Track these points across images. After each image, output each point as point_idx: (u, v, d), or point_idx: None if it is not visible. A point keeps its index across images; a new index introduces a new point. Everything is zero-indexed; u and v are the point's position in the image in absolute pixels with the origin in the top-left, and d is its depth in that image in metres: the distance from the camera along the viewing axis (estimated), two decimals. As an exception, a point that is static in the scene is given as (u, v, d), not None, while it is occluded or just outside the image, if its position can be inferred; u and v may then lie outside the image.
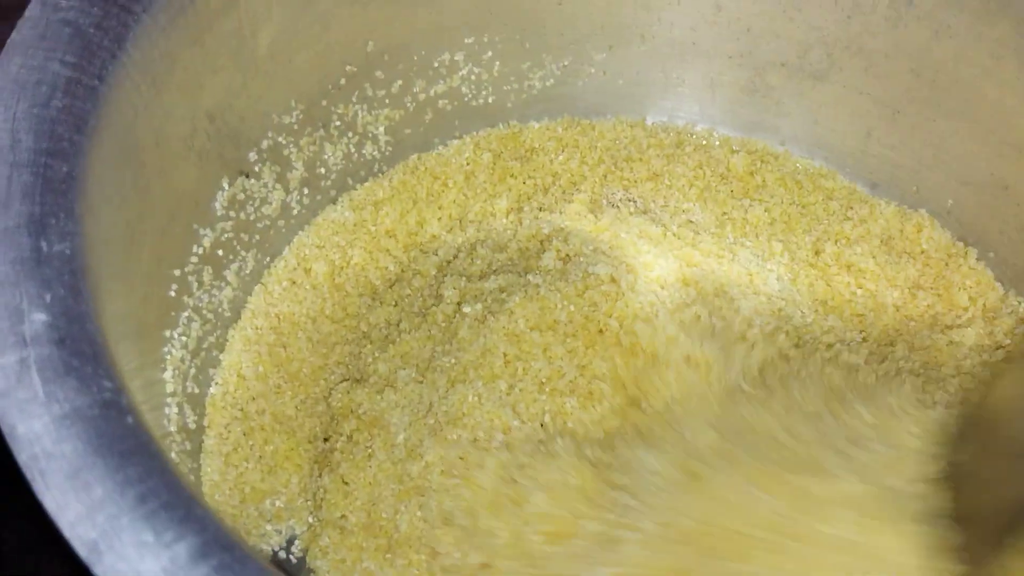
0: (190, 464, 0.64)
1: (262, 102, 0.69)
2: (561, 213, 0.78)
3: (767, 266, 0.77)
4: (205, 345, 0.68)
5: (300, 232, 0.77)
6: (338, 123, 0.76)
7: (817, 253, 0.78)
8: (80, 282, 0.47)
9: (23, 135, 0.50)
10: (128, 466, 0.42)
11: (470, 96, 0.82)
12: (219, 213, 0.68)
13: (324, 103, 0.74)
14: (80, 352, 0.45)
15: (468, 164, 0.83)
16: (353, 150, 0.78)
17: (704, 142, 0.86)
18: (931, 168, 0.81)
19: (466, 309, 0.69)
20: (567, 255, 0.74)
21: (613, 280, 0.70)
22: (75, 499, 0.41)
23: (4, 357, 0.44)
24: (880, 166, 0.83)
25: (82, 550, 0.40)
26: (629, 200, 0.81)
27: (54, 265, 0.47)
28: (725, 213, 0.80)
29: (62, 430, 0.43)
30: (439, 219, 0.79)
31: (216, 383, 0.69)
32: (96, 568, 0.40)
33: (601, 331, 0.69)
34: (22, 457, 0.42)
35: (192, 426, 0.65)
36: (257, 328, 0.72)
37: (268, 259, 0.75)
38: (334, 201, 0.79)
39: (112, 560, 0.40)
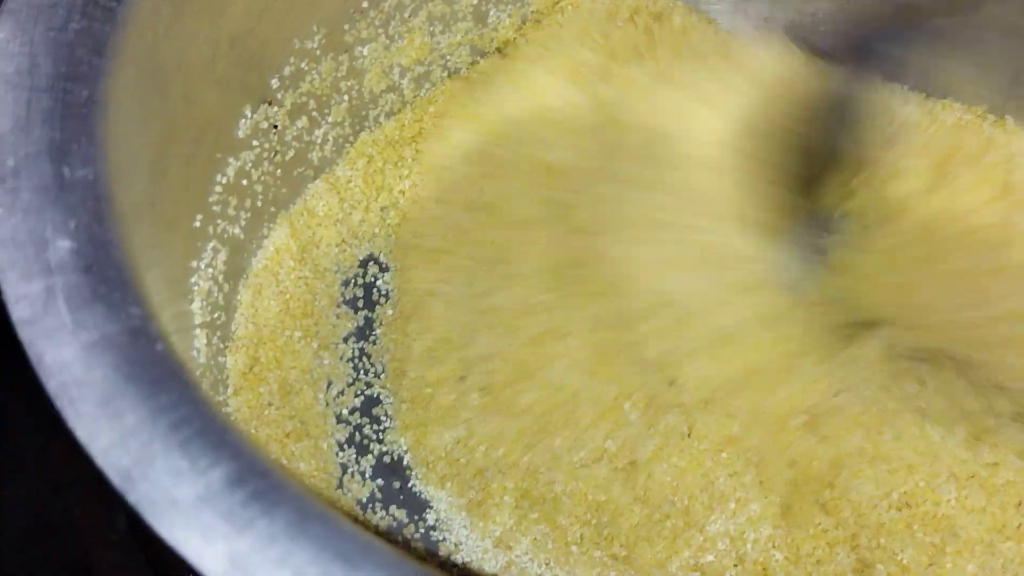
0: (220, 395, 0.63)
1: (283, 27, 0.67)
2: None
3: None
4: (231, 276, 0.67)
5: (327, 163, 0.76)
6: (362, 49, 0.74)
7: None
8: (104, 208, 0.46)
9: (41, 59, 0.49)
10: (160, 393, 0.42)
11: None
12: (243, 141, 0.66)
13: (346, 27, 0.72)
14: (107, 279, 0.44)
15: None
16: (379, 79, 0.77)
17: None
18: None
19: None
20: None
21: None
22: (107, 426, 0.40)
23: (30, 285, 0.43)
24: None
25: (115, 478, 0.39)
26: None
27: (77, 191, 0.46)
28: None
29: (92, 357, 0.42)
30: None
31: (240, 314, 0.68)
32: (130, 495, 0.39)
33: None
34: (51, 385, 0.41)
35: (221, 357, 0.64)
36: (280, 259, 0.71)
37: (293, 189, 0.74)
38: (360, 131, 0.77)
39: (146, 487, 0.39)
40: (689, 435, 0.64)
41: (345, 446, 0.68)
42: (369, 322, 0.73)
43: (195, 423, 0.41)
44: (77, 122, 0.48)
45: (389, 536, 0.64)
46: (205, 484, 0.40)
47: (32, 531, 0.64)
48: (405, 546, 0.65)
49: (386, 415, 0.69)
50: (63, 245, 0.44)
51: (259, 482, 0.40)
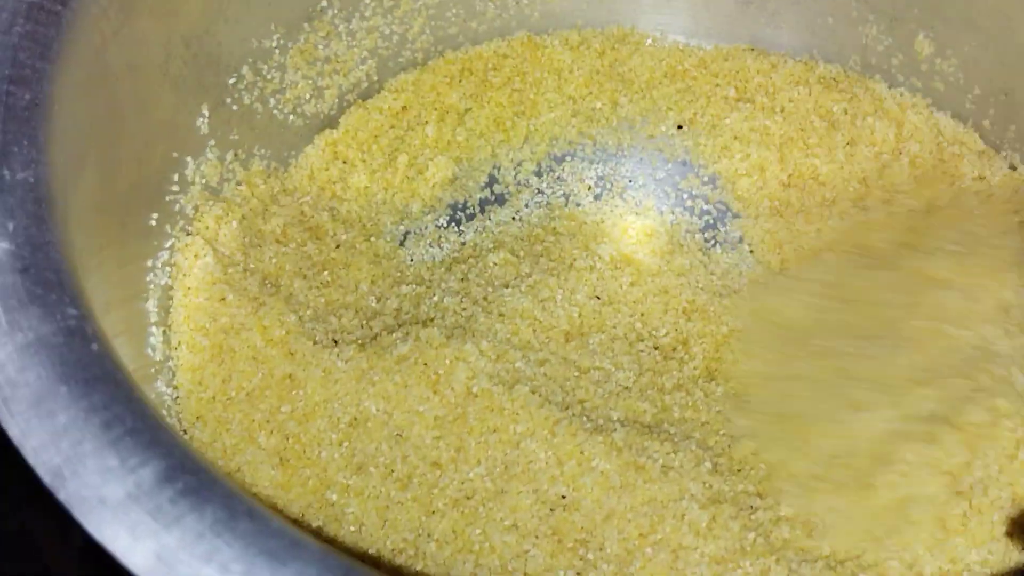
0: (175, 393, 0.63)
1: (241, 26, 0.68)
2: None
3: None
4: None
5: (288, 156, 0.76)
6: (320, 47, 0.75)
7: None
8: (44, 210, 0.47)
9: (-16, 62, 0.49)
10: (93, 393, 0.42)
11: (454, 17, 0.81)
12: (200, 140, 0.67)
13: (305, 26, 0.73)
14: (44, 280, 0.45)
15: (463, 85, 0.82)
16: (337, 76, 0.77)
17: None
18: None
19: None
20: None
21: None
22: (39, 426, 0.41)
23: (-33, 286, 0.44)
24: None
25: (46, 476, 0.40)
26: None
27: (17, 193, 0.47)
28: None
29: (26, 358, 0.43)
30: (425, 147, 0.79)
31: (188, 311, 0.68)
32: (60, 494, 0.40)
33: None
34: (-14, 386, 0.42)
35: (176, 354, 0.65)
36: (239, 254, 0.71)
37: (252, 184, 0.74)
38: (321, 128, 0.78)
39: (76, 486, 0.40)
40: None
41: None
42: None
43: (127, 422, 0.42)
44: (19, 125, 0.48)
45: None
46: (135, 481, 0.40)
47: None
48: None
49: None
50: (1, 247, 0.45)
51: (189, 479, 0.41)
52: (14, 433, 0.41)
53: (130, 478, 0.40)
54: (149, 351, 0.62)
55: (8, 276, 0.44)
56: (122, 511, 0.40)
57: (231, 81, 0.69)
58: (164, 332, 0.63)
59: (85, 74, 0.54)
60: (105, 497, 0.40)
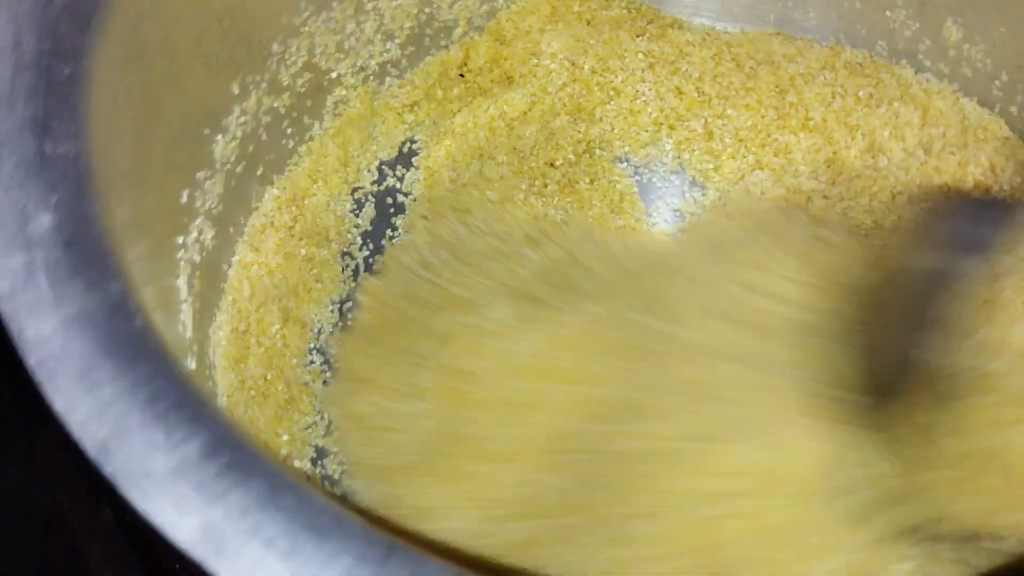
0: (206, 370, 0.64)
1: (271, 3, 0.68)
2: None
3: None
4: (218, 251, 0.67)
5: (317, 137, 0.76)
6: (351, 26, 0.75)
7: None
8: (86, 184, 0.47)
9: (25, 35, 0.49)
10: (137, 366, 0.42)
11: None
12: (231, 118, 0.67)
13: (335, 4, 0.73)
14: (87, 253, 0.45)
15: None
16: (370, 54, 0.77)
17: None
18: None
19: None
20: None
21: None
22: (84, 399, 0.41)
23: (10, 259, 0.44)
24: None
25: (92, 450, 0.40)
26: None
27: (59, 166, 0.47)
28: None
29: (71, 331, 0.43)
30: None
31: (225, 289, 0.68)
32: (106, 467, 0.40)
33: None
34: (30, 360, 0.42)
35: (208, 331, 0.65)
36: (268, 233, 0.71)
37: (282, 165, 0.74)
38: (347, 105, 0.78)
39: (122, 459, 0.40)
40: None
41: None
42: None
43: (171, 396, 0.42)
44: (59, 98, 0.48)
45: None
46: (180, 456, 0.41)
47: (21, 524, 0.65)
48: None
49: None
50: (44, 219, 0.45)
51: (233, 454, 0.41)
52: (59, 406, 0.41)
53: (175, 452, 0.41)
54: (180, 328, 0.62)
55: (52, 249, 0.44)
56: (167, 485, 0.40)
57: (261, 57, 0.69)
58: (193, 309, 0.63)
59: (122, 49, 0.54)
60: (151, 471, 0.40)
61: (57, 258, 0.44)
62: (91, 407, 0.41)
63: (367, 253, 0.75)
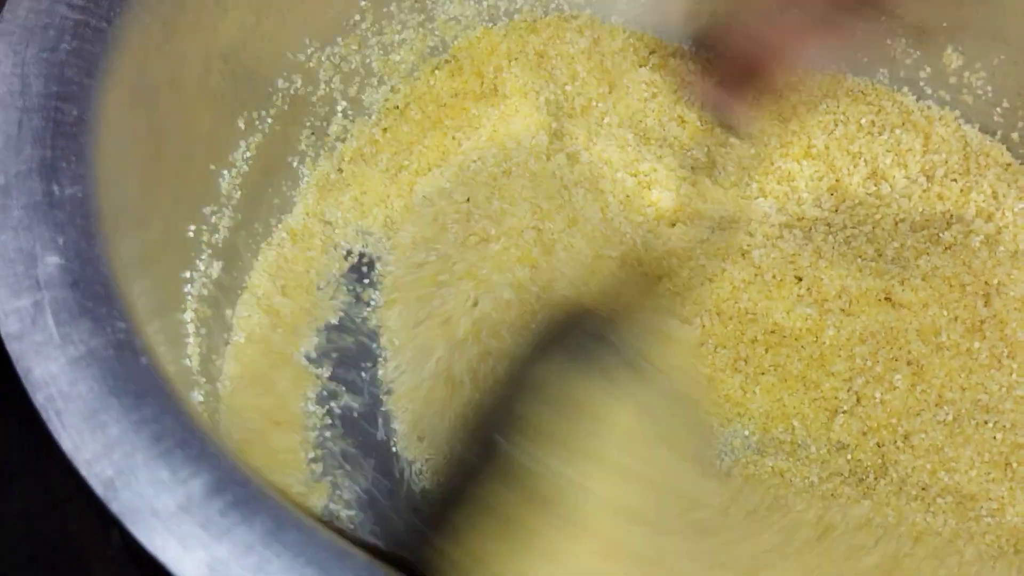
0: (213, 404, 0.64)
1: (276, 41, 0.69)
2: None
3: None
4: (224, 285, 0.68)
5: (321, 171, 0.77)
6: (353, 62, 0.76)
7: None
8: (93, 225, 0.48)
9: (33, 80, 0.50)
10: (143, 406, 0.43)
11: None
12: (237, 153, 0.68)
13: (339, 40, 0.74)
14: (94, 294, 0.45)
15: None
16: (370, 90, 0.78)
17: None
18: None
19: None
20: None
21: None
22: (91, 438, 0.42)
23: (19, 300, 0.45)
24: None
25: (99, 488, 0.41)
26: None
27: (66, 208, 0.47)
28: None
29: (77, 371, 0.43)
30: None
31: (235, 322, 0.69)
32: (113, 505, 0.41)
33: None
34: (38, 398, 0.43)
35: (215, 363, 0.66)
36: (277, 267, 0.72)
37: (289, 197, 0.75)
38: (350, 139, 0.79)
39: (128, 497, 0.41)
40: None
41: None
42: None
43: (177, 434, 0.43)
44: (67, 141, 0.49)
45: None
46: (185, 493, 0.41)
47: (31, 547, 0.65)
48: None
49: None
50: (52, 261, 0.46)
51: (238, 491, 0.42)
52: (67, 445, 0.42)
53: (181, 490, 0.41)
54: (187, 361, 0.62)
55: (59, 290, 0.45)
56: (173, 522, 0.41)
57: (267, 93, 0.70)
58: (200, 343, 0.64)
59: (129, 90, 0.54)
60: (157, 509, 0.41)
61: (64, 298, 0.45)
62: (97, 446, 0.42)
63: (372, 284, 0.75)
